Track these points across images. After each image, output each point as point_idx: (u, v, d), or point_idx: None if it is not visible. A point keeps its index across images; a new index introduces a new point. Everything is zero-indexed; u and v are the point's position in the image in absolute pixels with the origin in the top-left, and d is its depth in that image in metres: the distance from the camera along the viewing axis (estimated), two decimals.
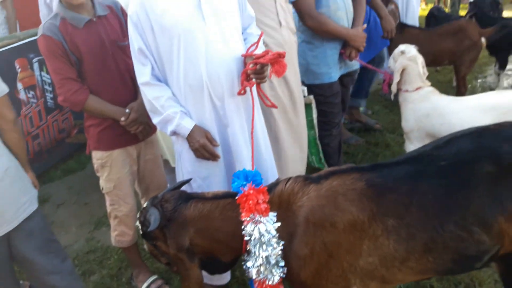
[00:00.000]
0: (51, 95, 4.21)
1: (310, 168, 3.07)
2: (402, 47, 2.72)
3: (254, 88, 1.92)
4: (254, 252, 1.52)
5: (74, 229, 3.35)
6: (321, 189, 1.45)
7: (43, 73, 4.11)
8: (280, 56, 1.75)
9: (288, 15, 2.53)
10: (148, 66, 1.91)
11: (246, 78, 1.84)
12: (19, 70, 3.90)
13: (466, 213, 1.33)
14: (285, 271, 1.51)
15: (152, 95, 1.92)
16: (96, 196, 3.61)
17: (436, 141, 1.51)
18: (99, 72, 2.16)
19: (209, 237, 1.60)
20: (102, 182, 2.35)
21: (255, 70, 1.79)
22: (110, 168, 2.29)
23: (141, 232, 1.70)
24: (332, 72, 2.85)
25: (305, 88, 2.72)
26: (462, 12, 6.52)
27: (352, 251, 1.39)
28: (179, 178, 2.08)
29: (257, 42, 1.92)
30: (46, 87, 4.17)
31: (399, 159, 1.48)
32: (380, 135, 3.82)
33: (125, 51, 2.22)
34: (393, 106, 4.35)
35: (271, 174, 2.10)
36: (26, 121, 3.98)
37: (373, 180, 1.41)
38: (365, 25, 2.90)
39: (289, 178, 1.56)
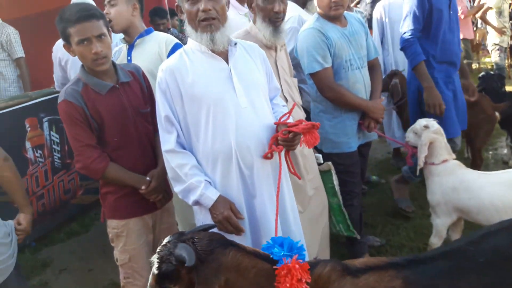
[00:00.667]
0: (59, 155, 4.15)
1: (332, 237, 2.97)
2: (423, 121, 2.72)
3: (282, 154, 1.90)
4: None
5: None
6: (357, 283, 1.41)
7: (52, 133, 4.08)
8: (314, 127, 1.75)
9: (293, 89, 2.60)
10: (174, 133, 1.89)
11: (275, 142, 1.85)
12: (29, 129, 3.88)
13: None
14: None
15: (176, 162, 1.87)
16: (100, 262, 3.46)
17: (471, 236, 1.51)
18: (120, 138, 2.12)
19: None
20: (116, 253, 2.23)
21: (287, 138, 1.80)
22: (126, 238, 2.18)
23: (156, 271, 1.47)
24: (352, 142, 2.85)
25: (320, 156, 2.71)
26: None
27: None
28: None
29: (290, 112, 1.94)
30: (55, 146, 4.12)
31: (434, 254, 1.48)
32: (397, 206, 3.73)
33: (147, 117, 2.21)
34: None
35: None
36: (32, 181, 3.89)
37: (410, 277, 1.39)
38: (383, 98, 2.95)
39: (329, 261, 1.50)
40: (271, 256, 1.50)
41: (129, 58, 2.60)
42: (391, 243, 3.20)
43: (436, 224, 2.66)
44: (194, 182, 1.83)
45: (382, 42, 4.32)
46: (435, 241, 2.68)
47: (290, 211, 2.02)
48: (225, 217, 1.79)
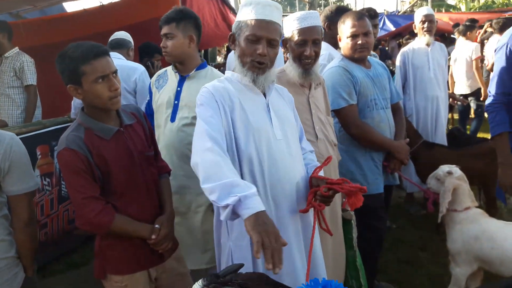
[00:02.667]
0: None
1: None
2: (446, 167, 2.71)
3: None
4: None
5: None
6: None
7: None
8: (361, 190, 1.72)
9: (328, 127, 2.52)
10: (220, 135, 1.73)
11: (313, 198, 1.81)
12: (39, 156, 3.83)
13: None
14: None
15: (214, 159, 1.62)
16: None
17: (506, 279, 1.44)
18: (126, 186, 1.97)
19: None
20: None
21: (327, 195, 1.76)
22: None
23: None
24: (379, 182, 2.79)
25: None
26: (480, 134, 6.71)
27: None
28: None
29: (323, 165, 1.93)
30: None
31: None
32: (411, 252, 3.65)
33: (151, 161, 2.11)
34: (418, 222, 4.24)
35: None
36: (37, 209, 3.80)
37: None
38: (408, 139, 2.91)
39: None
40: None
41: (179, 89, 2.57)
42: None
43: (456, 273, 2.58)
44: (241, 181, 1.57)
45: (404, 87, 4.35)
46: None
47: (320, 268, 1.98)
48: (276, 233, 1.45)
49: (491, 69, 6.17)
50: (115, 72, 1.92)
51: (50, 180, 3.93)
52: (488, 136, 5.43)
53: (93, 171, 1.88)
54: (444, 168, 2.70)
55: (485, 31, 8.16)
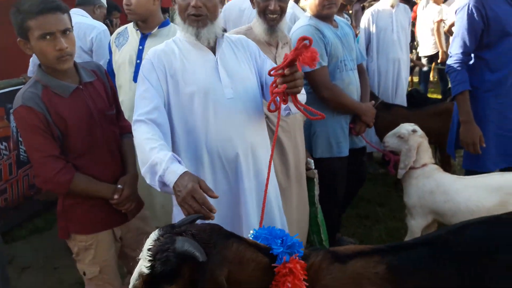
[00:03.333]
0: (25, 148, 3.97)
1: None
2: (408, 126, 2.76)
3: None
4: None
5: None
6: (345, 270, 1.45)
7: None
8: (306, 44, 1.52)
9: None
10: (154, 104, 1.74)
11: (280, 96, 1.67)
12: None
13: None
14: None
15: (145, 135, 1.67)
16: (66, 261, 3.29)
17: (450, 227, 1.58)
18: (87, 145, 1.94)
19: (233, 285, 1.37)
20: (84, 267, 2.05)
21: (283, 75, 1.59)
22: (95, 251, 2.02)
23: (146, 270, 1.27)
24: (343, 146, 2.81)
25: (312, 161, 2.66)
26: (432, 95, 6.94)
27: None
28: None
29: (282, 65, 1.69)
30: (21, 139, 3.94)
31: (416, 241, 1.55)
32: (370, 208, 3.81)
33: (113, 120, 2.08)
34: (376, 179, 4.41)
35: None
36: None
37: (393, 263, 1.44)
38: (373, 102, 2.95)
39: (319, 251, 1.52)
40: (270, 252, 1.46)
41: (141, 47, 2.51)
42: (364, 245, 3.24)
43: (411, 226, 2.72)
44: (159, 155, 1.59)
45: (367, 48, 4.39)
46: None
47: (275, 206, 2.00)
48: (189, 191, 1.47)
49: (448, 31, 6.36)
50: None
51: (7, 144, 3.81)
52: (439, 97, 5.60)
53: (52, 129, 1.84)
54: (407, 126, 2.76)
55: None
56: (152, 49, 1.88)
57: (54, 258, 3.46)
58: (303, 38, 1.52)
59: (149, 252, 1.30)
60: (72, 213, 2.00)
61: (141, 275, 1.29)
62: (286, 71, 1.59)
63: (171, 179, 1.55)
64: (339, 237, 3.29)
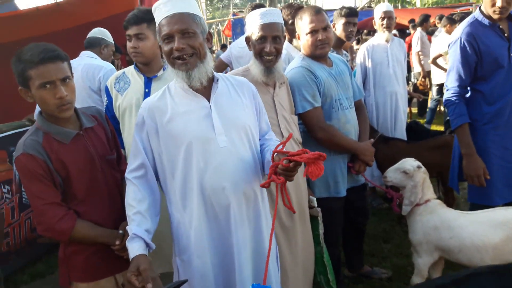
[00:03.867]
0: None
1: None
2: (414, 162, 2.74)
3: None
4: None
5: None
6: None
7: None
8: (321, 157, 1.64)
9: (293, 126, 2.52)
10: (140, 161, 1.86)
11: (274, 172, 1.73)
12: None
13: None
14: None
15: (128, 199, 1.85)
16: None
17: (456, 274, 1.48)
18: (88, 191, 1.95)
19: None
20: None
21: (288, 167, 1.67)
22: None
23: None
24: (341, 186, 2.79)
25: (314, 199, 2.63)
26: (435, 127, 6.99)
27: None
28: None
29: (285, 142, 1.84)
30: None
31: None
32: (376, 245, 3.77)
33: (113, 164, 2.09)
34: (381, 214, 4.37)
35: None
36: None
37: None
38: (372, 140, 2.94)
39: None
40: None
41: (147, 90, 2.54)
42: (370, 284, 3.19)
43: (418, 264, 2.68)
44: (130, 227, 1.79)
45: (364, 83, 4.43)
46: (417, 280, 2.69)
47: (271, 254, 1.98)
48: (129, 276, 1.70)
49: (433, 62, 6.47)
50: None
51: (10, 188, 3.81)
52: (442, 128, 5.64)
53: (53, 176, 1.85)
54: (412, 162, 2.74)
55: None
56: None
57: None
58: (320, 155, 1.63)
59: None
60: (74, 260, 1.98)
61: None
62: (292, 164, 1.65)
63: (130, 256, 1.74)
64: (369, 270, 3.27)
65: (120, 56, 4.82)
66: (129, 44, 2.54)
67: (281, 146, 1.80)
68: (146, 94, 2.53)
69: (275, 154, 1.78)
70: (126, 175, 1.86)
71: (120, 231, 1.97)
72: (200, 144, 1.79)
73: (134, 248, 1.73)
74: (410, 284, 2.73)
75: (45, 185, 1.84)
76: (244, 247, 1.85)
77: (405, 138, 4.38)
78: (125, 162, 2.26)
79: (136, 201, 1.82)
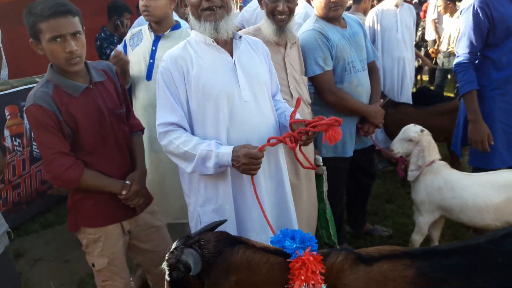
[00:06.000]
0: None
1: (320, 242, 3.01)
2: (415, 127, 2.75)
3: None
4: None
5: None
6: (371, 271, 1.40)
7: None
8: (337, 122, 1.72)
9: (302, 87, 2.53)
10: (176, 114, 1.84)
11: (290, 138, 1.81)
12: (8, 117, 3.77)
13: None
14: None
15: (180, 140, 1.82)
16: (77, 253, 3.36)
17: (492, 234, 1.46)
18: (96, 143, 1.98)
19: None
20: (93, 259, 2.11)
21: (308, 136, 1.79)
22: (104, 243, 2.07)
23: (168, 278, 1.47)
24: (348, 147, 2.82)
25: (320, 158, 2.67)
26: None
27: None
28: None
29: (296, 108, 1.93)
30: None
31: (452, 248, 1.44)
32: (379, 205, 3.82)
33: (122, 119, 2.11)
34: (386, 176, 4.42)
35: None
36: (8, 170, 3.77)
37: (424, 268, 1.36)
38: (382, 101, 2.94)
39: (341, 251, 1.49)
40: (284, 250, 1.49)
41: (154, 48, 2.56)
42: (370, 241, 3.26)
43: (419, 222, 2.72)
44: (204, 148, 1.78)
45: None
46: (417, 238, 2.75)
47: (291, 205, 2.04)
48: (244, 155, 1.73)
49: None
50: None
51: (21, 141, 3.88)
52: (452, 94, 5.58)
53: (62, 127, 1.88)
54: (414, 128, 2.74)
55: None
56: (168, 53, 1.90)
57: (65, 251, 3.52)
58: (336, 120, 1.73)
59: (167, 262, 1.47)
60: (81, 207, 2.04)
61: (166, 282, 1.47)
62: (311, 133, 1.80)
63: (227, 160, 1.76)
64: (371, 228, 3.35)
65: (129, 16, 4.78)
66: (141, 3, 2.55)
67: (297, 115, 1.89)
68: (153, 52, 2.56)
69: (292, 123, 1.87)
70: (164, 127, 1.85)
71: (127, 182, 2.02)
72: (226, 98, 1.82)
73: (227, 147, 1.78)
74: (410, 241, 2.78)
75: (54, 135, 1.87)
76: (267, 198, 1.92)
77: (411, 103, 4.36)
78: (134, 117, 2.29)
79: (190, 136, 1.83)
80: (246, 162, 1.73)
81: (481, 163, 2.74)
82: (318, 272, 1.41)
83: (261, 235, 1.91)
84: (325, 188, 2.70)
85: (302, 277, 1.39)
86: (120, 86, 2.14)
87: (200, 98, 1.83)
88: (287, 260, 1.46)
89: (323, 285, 1.40)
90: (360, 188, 3.18)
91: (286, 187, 2.01)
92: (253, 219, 1.92)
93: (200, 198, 1.92)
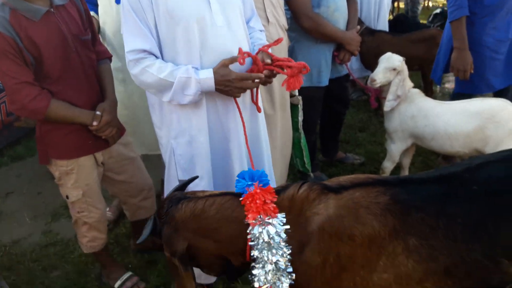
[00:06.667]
0: None
1: (294, 170, 3.05)
2: (397, 56, 2.68)
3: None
4: (262, 257, 1.40)
5: (28, 220, 3.07)
6: (341, 198, 1.36)
7: None
8: (305, 69, 1.68)
9: (279, 11, 2.42)
10: (150, 37, 1.70)
11: (254, 67, 1.75)
12: None
13: (496, 244, 1.27)
14: (294, 277, 1.40)
15: (153, 67, 1.68)
16: (49, 185, 3.35)
17: (468, 163, 1.43)
18: (62, 71, 1.88)
19: (208, 238, 1.47)
20: (66, 191, 2.07)
21: (270, 73, 1.74)
22: (77, 175, 2.03)
23: None
24: (323, 76, 2.77)
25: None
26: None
27: (367, 266, 1.32)
28: (171, 177, 1.91)
29: (272, 44, 1.86)
30: None
31: (428, 176, 1.41)
32: (351, 133, 3.87)
33: (88, 45, 2.00)
34: (359, 105, 4.44)
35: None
36: None
37: (399, 195, 1.33)
38: (359, 27, 2.86)
39: (303, 183, 1.46)
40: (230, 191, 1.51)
41: None
42: (343, 168, 3.33)
43: (391, 149, 2.77)
44: (182, 75, 1.66)
45: None
46: (388, 165, 2.81)
47: (264, 142, 2.01)
48: (236, 78, 1.66)
49: None
50: None
51: None
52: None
53: (24, 55, 1.77)
54: (397, 57, 2.67)
55: None
56: None
57: (37, 184, 3.49)
58: (304, 66, 1.69)
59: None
60: (51, 138, 1.98)
61: None
62: (275, 72, 1.76)
63: (209, 84, 1.68)
64: (343, 156, 3.40)
65: None
66: None
67: (267, 48, 1.81)
68: None
69: (260, 52, 1.78)
70: (134, 55, 1.69)
71: (98, 112, 1.95)
72: (196, 22, 1.70)
73: (206, 71, 1.69)
74: (381, 168, 2.85)
75: (16, 64, 1.76)
76: (241, 131, 1.85)
77: (387, 30, 4.28)
78: (100, 43, 2.16)
79: (163, 62, 1.72)
80: (240, 84, 1.68)
81: (467, 89, 2.77)
82: (269, 202, 1.40)
83: (236, 165, 1.89)
84: (300, 118, 2.68)
85: (254, 210, 1.39)
86: (84, 10, 2.00)
87: (169, 22, 1.70)
88: (240, 199, 1.46)
89: (279, 214, 1.40)
90: (333, 117, 3.19)
91: (259, 118, 1.96)
92: (229, 149, 1.89)
93: (172, 131, 1.85)
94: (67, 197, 2.10)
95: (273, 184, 2.03)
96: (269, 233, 1.37)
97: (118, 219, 2.92)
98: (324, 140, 3.36)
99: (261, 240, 1.39)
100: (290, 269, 1.39)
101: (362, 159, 3.38)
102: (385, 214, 1.30)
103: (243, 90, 1.73)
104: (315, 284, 1.38)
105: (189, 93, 1.69)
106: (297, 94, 2.62)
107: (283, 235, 1.38)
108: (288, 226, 1.38)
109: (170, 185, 1.92)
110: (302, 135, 2.72)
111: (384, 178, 1.42)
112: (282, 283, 1.40)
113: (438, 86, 4.53)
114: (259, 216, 1.39)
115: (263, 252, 1.39)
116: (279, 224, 1.38)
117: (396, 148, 2.74)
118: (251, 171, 1.53)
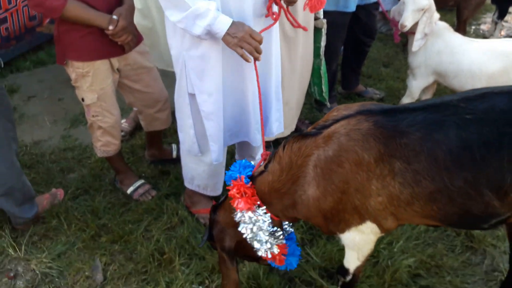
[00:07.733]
0: None
1: (310, 100, 3.02)
2: None
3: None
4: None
5: (48, 124, 3.17)
6: (322, 136, 1.40)
7: None
8: None
9: None
10: None
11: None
12: None
13: (480, 174, 1.27)
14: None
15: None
16: (70, 93, 3.36)
17: (467, 93, 1.41)
18: None
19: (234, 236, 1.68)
20: (82, 93, 2.12)
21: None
22: (92, 78, 2.07)
23: None
24: (350, 0, 2.65)
25: (321, 10, 2.53)
26: None
27: (361, 190, 1.37)
28: (182, 90, 1.93)
29: None
30: None
31: (418, 105, 1.40)
32: (375, 67, 3.78)
33: None
34: (387, 39, 4.29)
35: (275, 110, 2.07)
36: None
37: (382, 122, 1.34)
38: None
39: (285, 143, 1.50)
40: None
41: None
42: (360, 101, 3.26)
43: (411, 86, 2.72)
44: (203, 5, 1.59)
45: None
46: (407, 101, 2.77)
47: (273, 62, 1.98)
48: (248, 31, 1.63)
49: None
50: None
51: None
52: None
53: None
54: None
55: None
56: None
57: (58, 90, 3.55)
58: None
59: None
60: (68, 38, 2.00)
61: None
62: None
63: (221, 28, 1.62)
64: (363, 90, 3.34)
65: None
66: None
67: None
68: None
69: None
70: None
71: (114, 16, 1.94)
72: None
73: (228, 18, 1.65)
74: (399, 104, 2.80)
75: None
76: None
77: None
78: None
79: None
80: (245, 37, 1.63)
81: None
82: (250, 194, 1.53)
83: (247, 83, 1.90)
84: (323, 43, 2.60)
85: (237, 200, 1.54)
86: None
87: None
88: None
89: (259, 208, 1.55)
90: (357, 47, 3.09)
91: (272, 38, 1.91)
92: (241, 67, 1.85)
93: (186, 42, 1.81)
94: (82, 99, 2.16)
95: (280, 114, 2.10)
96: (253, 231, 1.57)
97: (134, 131, 2.98)
98: (345, 71, 3.29)
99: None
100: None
101: (382, 94, 3.32)
102: (367, 139, 1.34)
103: (246, 45, 1.65)
104: (323, 210, 1.47)
105: (200, 24, 1.62)
106: (321, 17, 2.53)
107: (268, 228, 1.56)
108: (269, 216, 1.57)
109: (180, 97, 1.96)
110: (323, 61, 2.66)
111: (367, 108, 1.42)
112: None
113: (472, 27, 4.33)
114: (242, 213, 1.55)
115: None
116: (262, 220, 1.55)
117: (417, 85, 2.68)
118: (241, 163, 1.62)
